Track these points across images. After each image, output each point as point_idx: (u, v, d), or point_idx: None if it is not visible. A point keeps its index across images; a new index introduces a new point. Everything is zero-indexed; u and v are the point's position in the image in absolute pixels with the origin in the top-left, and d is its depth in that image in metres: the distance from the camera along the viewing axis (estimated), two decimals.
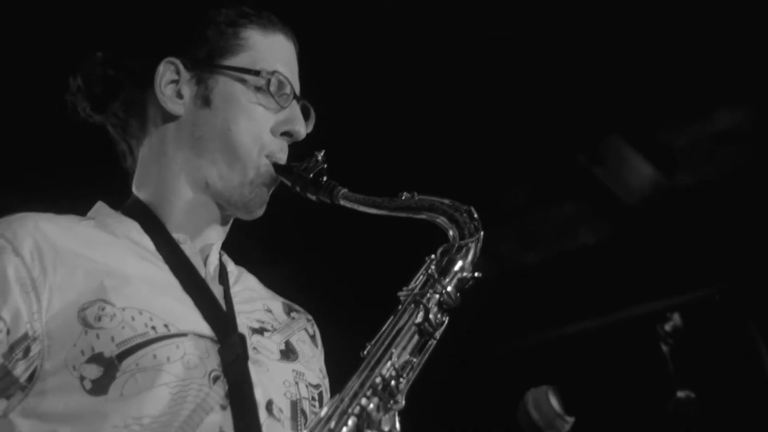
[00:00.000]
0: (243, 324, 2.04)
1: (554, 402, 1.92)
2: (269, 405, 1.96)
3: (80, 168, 3.61)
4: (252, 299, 2.15)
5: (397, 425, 1.85)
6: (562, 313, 4.52)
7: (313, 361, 2.16)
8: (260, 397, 1.95)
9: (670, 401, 2.41)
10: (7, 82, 3.70)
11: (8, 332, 1.88)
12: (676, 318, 2.42)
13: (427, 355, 1.90)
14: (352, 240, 4.15)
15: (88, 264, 1.95)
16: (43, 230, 1.97)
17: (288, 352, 2.09)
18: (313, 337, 2.22)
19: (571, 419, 1.95)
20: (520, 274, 4.60)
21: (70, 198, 2.20)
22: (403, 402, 1.86)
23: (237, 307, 2.07)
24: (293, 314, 2.22)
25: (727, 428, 3.76)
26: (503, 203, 4.28)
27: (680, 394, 2.39)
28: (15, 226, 1.97)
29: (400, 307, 1.93)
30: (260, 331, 2.08)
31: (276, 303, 2.22)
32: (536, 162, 4.34)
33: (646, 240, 4.54)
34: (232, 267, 2.19)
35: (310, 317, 2.26)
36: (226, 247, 2.22)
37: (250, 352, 1.99)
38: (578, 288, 4.50)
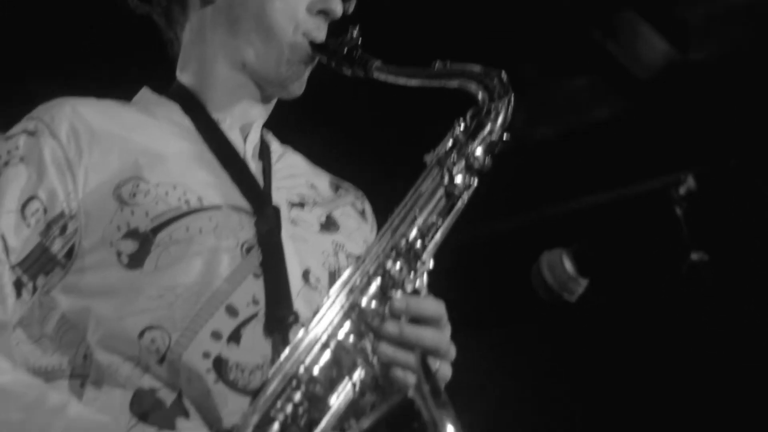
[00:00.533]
0: (282, 198, 2.07)
1: (568, 264, 1.93)
2: (306, 274, 1.99)
3: (129, 57, 3.63)
4: (294, 175, 2.18)
5: (424, 284, 1.87)
6: (576, 186, 4.54)
7: (357, 234, 2.18)
8: (296, 266, 1.99)
9: (683, 263, 2.42)
10: None
11: (45, 211, 1.94)
12: (690, 181, 2.41)
13: (453, 218, 1.90)
14: (388, 115, 4.16)
15: (123, 144, 1.99)
16: (80, 113, 2.01)
17: (329, 225, 2.13)
18: (362, 213, 2.24)
19: (584, 281, 1.95)
20: (534, 147, 4.61)
21: (120, 88, 2.23)
22: (431, 263, 1.87)
23: (277, 183, 2.10)
24: (341, 191, 2.25)
25: (740, 290, 3.80)
26: (515, 77, 4.28)
27: (694, 256, 2.39)
28: (53, 110, 2.02)
29: (425, 170, 1.93)
30: (300, 204, 2.11)
31: (322, 179, 2.24)
32: (549, 36, 4.32)
33: (659, 115, 4.54)
34: (276, 146, 2.22)
35: (361, 193, 2.28)
36: (271, 126, 2.24)
37: (288, 225, 2.03)
38: (592, 161, 4.51)
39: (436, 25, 4.09)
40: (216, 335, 1.88)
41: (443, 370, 1.87)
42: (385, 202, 2.30)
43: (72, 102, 2.04)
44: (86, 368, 1.91)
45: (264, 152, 2.16)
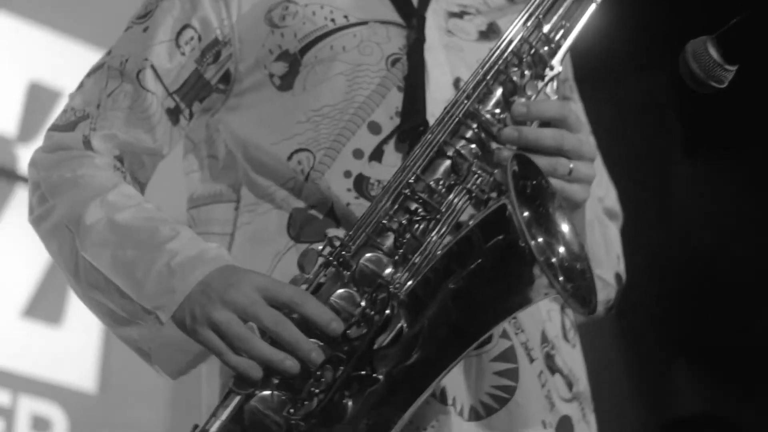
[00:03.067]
0: (440, 9, 2.05)
1: (713, 51, 1.83)
2: (456, 82, 1.98)
3: None
4: None
5: (553, 90, 1.85)
6: None
7: None
8: (448, 75, 1.98)
9: None
10: None
11: (199, 39, 2.00)
12: None
13: (585, 21, 1.86)
14: None
15: None
16: None
17: (488, 33, 2.08)
18: None
19: (733, 67, 1.83)
20: None
21: None
22: (560, 67, 1.85)
23: None
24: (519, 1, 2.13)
25: None
26: None
27: None
28: None
29: None
30: (459, 14, 2.07)
31: None
32: None
33: None
34: None
35: None
36: None
37: (444, 35, 2.02)
38: None
39: None
40: (358, 153, 1.92)
41: (581, 170, 1.83)
42: None
43: None
44: (237, 193, 2.01)
45: None
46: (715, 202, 4.97)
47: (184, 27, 2.01)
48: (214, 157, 2.06)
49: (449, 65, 2.00)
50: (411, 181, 1.78)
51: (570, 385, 1.95)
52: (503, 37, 1.85)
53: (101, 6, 4.04)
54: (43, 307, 4.01)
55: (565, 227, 1.72)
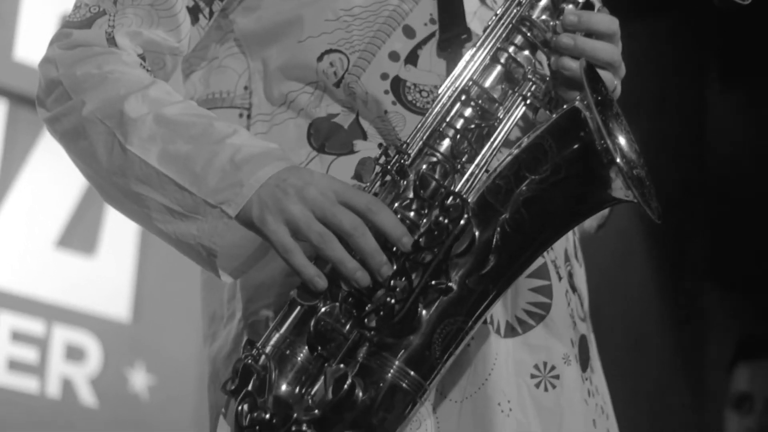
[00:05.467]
0: None
1: None
2: None
3: None
4: None
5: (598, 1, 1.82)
6: None
7: None
8: None
9: None
10: None
11: None
12: None
13: None
14: None
15: None
16: None
17: None
18: None
19: None
20: None
21: None
22: None
23: None
24: None
25: None
26: None
27: None
28: None
29: None
30: None
31: None
32: None
33: None
34: None
35: None
36: None
37: None
38: None
39: None
40: (394, 56, 1.86)
41: (618, 88, 1.84)
42: None
43: None
44: (246, 99, 1.91)
45: None
46: (751, 131, 4.95)
47: None
48: (220, 58, 1.96)
49: None
50: (467, 87, 1.75)
51: (582, 304, 1.94)
52: None
53: None
54: (77, 236, 4.00)
55: (623, 136, 1.68)
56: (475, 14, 1.91)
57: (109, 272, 4.03)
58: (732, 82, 4.92)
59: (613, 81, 1.82)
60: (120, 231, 3.99)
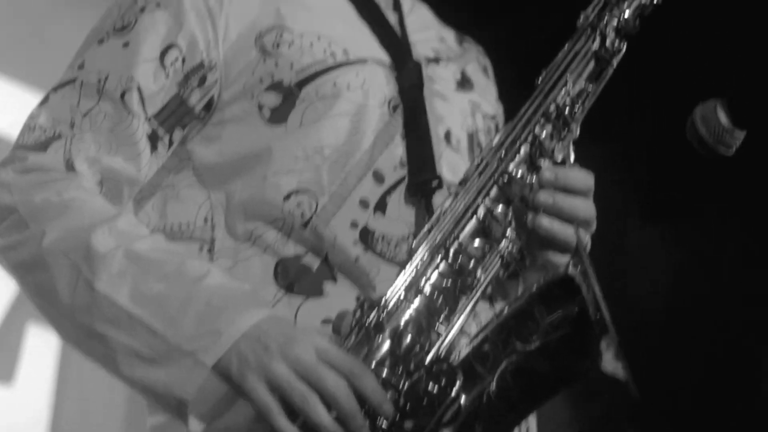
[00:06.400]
0: (419, 53, 2.00)
1: (722, 116, 1.83)
2: (447, 135, 1.94)
3: None
4: (426, 28, 2.10)
5: (572, 154, 1.84)
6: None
7: (487, 91, 2.12)
8: (438, 127, 1.93)
9: None
10: None
11: (184, 60, 1.84)
12: None
13: (603, 83, 1.86)
14: None
15: None
16: None
17: (464, 82, 2.05)
18: (485, 70, 2.17)
19: (741, 133, 1.83)
20: None
21: None
22: (578, 131, 1.84)
23: (412, 36, 2.02)
24: (465, 44, 2.17)
25: None
26: None
27: None
28: None
29: (575, 33, 1.87)
30: (435, 60, 2.03)
31: (448, 32, 2.16)
32: None
33: None
34: None
35: (481, 48, 2.20)
36: None
37: (427, 82, 1.96)
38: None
39: None
40: (363, 203, 1.83)
41: (589, 244, 1.85)
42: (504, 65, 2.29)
43: None
44: (207, 232, 1.86)
45: (396, 3, 2.06)
46: (670, 266, 4.99)
47: (170, 46, 1.85)
48: (177, 187, 1.91)
49: (438, 116, 1.95)
50: (444, 242, 1.73)
51: None
52: (532, 96, 1.83)
53: (38, 47, 3.91)
54: None
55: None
56: (442, 157, 1.91)
57: (27, 401, 3.87)
58: (653, 219, 4.98)
59: (585, 237, 1.83)
60: (38, 358, 3.86)
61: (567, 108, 1.84)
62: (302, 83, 1.86)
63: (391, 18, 2.03)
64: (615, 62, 1.88)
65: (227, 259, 1.84)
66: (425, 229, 1.75)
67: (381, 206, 1.84)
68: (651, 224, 5.15)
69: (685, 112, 1.91)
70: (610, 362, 1.60)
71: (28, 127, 1.83)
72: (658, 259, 5.13)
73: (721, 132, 1.83)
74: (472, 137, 2.00)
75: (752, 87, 1.96)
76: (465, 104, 2.03)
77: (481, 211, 1.76)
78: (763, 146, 2.06)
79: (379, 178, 1.86)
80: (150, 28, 1.85)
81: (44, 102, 1.86)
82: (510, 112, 1.99)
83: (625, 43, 1.88)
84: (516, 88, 2.02)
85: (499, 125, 2.08)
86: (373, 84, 1.89)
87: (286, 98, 1.86)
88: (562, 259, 1.80)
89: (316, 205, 1.82)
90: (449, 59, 2.07)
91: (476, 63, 2.15)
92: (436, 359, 1.62)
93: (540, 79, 1.86)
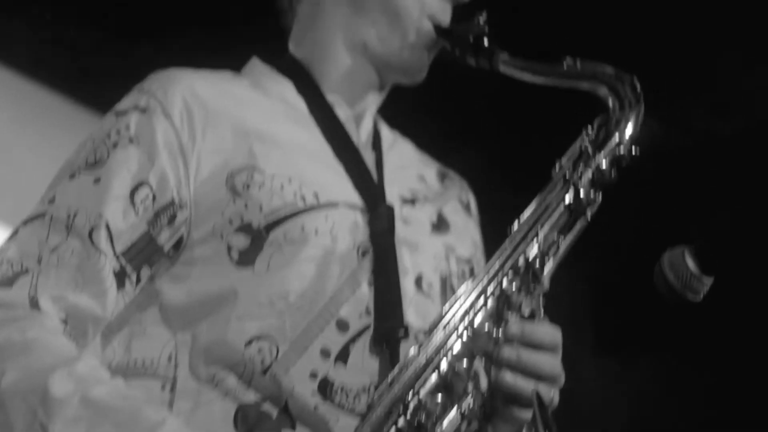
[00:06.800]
0: (394, 193, 1.99)
1: (691, 263, 1.82)
2: (419, 280, 1.91)
3: (236, 26, 3.57)
4: (405, 167, 2.08)
5: (542, 308, 1.81)
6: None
7: (465, 233, 2.09)
8: (409, 271, 1.91)
9: None
10: None
11: (154, 198, 1.83)
12: None
13: (576, 236, 1.84)
14: (509, 110, 4.01)
15: (237, 124, 1.89)
16: (195, 89, 1.90)
17: (440, 224, 2.03)
18: (467, 207, 2.14)
19: (709, 279, 1.82)
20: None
21: (226, 53, 2.15)
22: (547, 285, 1.81)
23: (389, 176, 2.01)
24: (447, 181, 2.14)
25: None
26: (700, 69, 3.95)
27: None
28: (166, 84, 1.90)
29: (550, 183, 1.86)
30: (411, 201, 2.01)
31: (430, 169, 2.14)
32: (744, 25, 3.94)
33: None
34: (386, 132, 2.11)
35: (465, 183, 2.18)
36: (382, 113, 2.13)
37: (401, 225, 1.94)
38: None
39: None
40: (324, 353, 1.81)
41: (555, 398, 1.81)
42: (491, 202, 2.27)
43: (187, 76, 1.93)
44: (170, 371, 1.84)
45: (376, 141, 2.06)
46: (623, 399, 4.98)
47: (141, 184, 1.84)
48: (143, 324, 1.89)
49: (410, 260, 1.93)
50: (404, 397, 1.71)
51: None
52: (501, 247, 1.82)
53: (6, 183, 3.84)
54: None
55: None
56: (411, 302, 1.89)
57: None
58: (605, 349, 4.97)
59: (550, 393, 1.78)
60: None
61: (537, 261, 1.82)
62: (271, 226, 1.85)
63: (369, 158, 2.02)
64: (590, 213, 1.86)
65: (188, 401, 1.81)
66: (388, 380, 1.73)
67: (343, 356, 1.82)
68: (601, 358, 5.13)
69: (653, 259, 1.90)
70: None
71: None
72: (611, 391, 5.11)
73: (689, 278, 1.83)
74: (445, 281, 1.97)
75: (719, 234, 1.98)
76: (439, 248, 2.00)
77: (443, 366, 1.74)
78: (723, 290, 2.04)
79: (342, 326, 1.83)
80: (122, 164, 1.85)
81: (13, 236, 1.85)
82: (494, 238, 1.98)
83: (601, 194, 1.86)
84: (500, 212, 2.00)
85: (474, 269, 2.04)
86: (342, 228, 1.87)
87: (254, 241, 1.84)
88: (526, 415, 1.77)
89: (277, 352, 1.80)
90: (426, 200, 2.05)
91: (456, 201, 2.13)
92: None
93: (511, 229, 1.84)
